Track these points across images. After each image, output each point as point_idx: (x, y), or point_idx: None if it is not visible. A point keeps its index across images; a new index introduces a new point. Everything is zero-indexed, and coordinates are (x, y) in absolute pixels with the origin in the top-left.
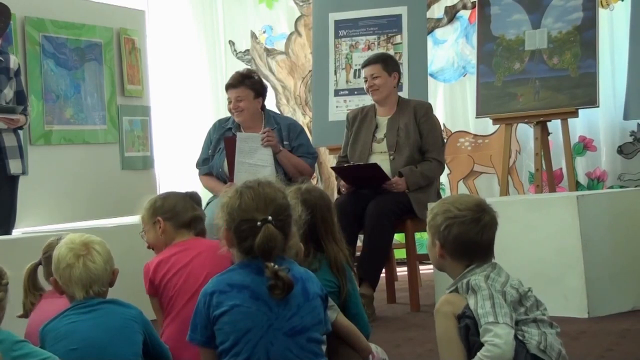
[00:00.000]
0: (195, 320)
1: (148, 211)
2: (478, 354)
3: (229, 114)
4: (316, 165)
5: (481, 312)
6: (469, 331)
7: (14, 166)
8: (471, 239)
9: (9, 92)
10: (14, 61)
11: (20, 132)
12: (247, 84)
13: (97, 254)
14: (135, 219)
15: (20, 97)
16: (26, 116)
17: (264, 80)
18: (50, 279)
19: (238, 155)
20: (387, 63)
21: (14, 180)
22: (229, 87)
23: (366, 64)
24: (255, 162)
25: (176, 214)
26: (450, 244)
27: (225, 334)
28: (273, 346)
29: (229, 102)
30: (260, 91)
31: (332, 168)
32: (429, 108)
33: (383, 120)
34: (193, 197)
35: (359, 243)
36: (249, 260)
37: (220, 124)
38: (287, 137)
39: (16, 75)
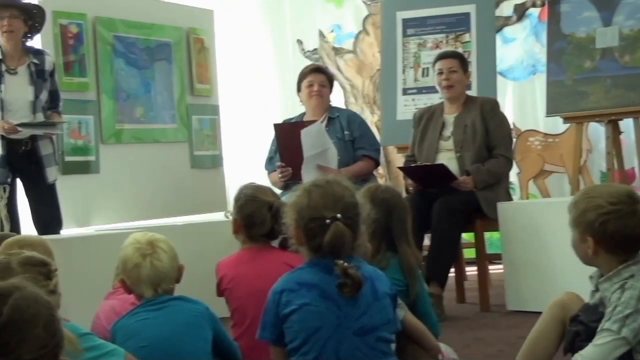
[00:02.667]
0: (265, 319)
1: (233, 204)
2: (577, 354)
3: (295, 113)
4: (385, 164)
5: (612, 315)
6: (579, 337)
7: (51, 175)
8: (630, 234)
9: (45, 95)
10: (49, 62)
11: (55, 138)
12: (328, 74)
13: (163, 252)
14: (205, 217)
15: (54, 96)
16: (60, 113)
17: None
18: (119, 278)
19: (306, 151)
20: (464, 61)
21: (53, 186)
22: (314, 71)
23: (444, 56)
24: (321, 148)
25: (252, 225)
26: (608, 240)
27: (295, 333)
28: (342, 345)
29: (309, 86)
30: (332, 84)
31: (399, 168)
32: (495, 104)
33: (450, 118)
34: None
35: (427, 242)
36: (317, 259)
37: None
38: (347, 127)
39: (51, 75)
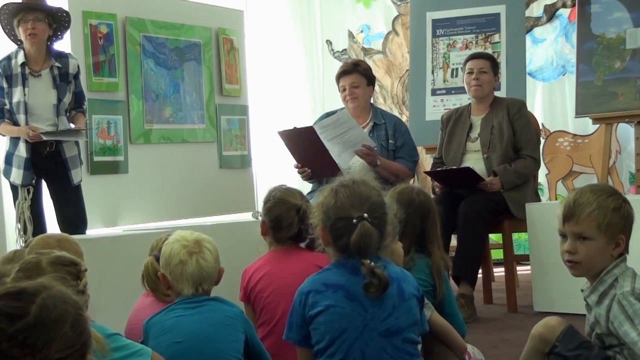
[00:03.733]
0: (291, 319)
1: (262, 205)
2: None
3: (325, 112)
4: None
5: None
6: None
7: (76, 177)
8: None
9: (68, 98)
10: (73, 65)
11: (80, 140)
12: (360, 71)
13: (209, 252)
14: (233, 218)
15: (79, 97)
16: (84, 113)
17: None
18: (159, 274)
19: (326, 143)
20: (495, 64)
21: (78, 187)
22: (342, 74)
23: (476, 56)
24: (338, 132)
25: (279, 228)
26: (630, 232)
27: (321, 334)
28: (368, 347)
29: (342, 90)
30: (371, 79)
31: (426, 172)
32: (522, 105)
33: (477, 119)
34: (303, 213)
35: (454, 243)
36: (344, 260)
37: (326, 117)
38: (392, 135)
39: (75, 77)
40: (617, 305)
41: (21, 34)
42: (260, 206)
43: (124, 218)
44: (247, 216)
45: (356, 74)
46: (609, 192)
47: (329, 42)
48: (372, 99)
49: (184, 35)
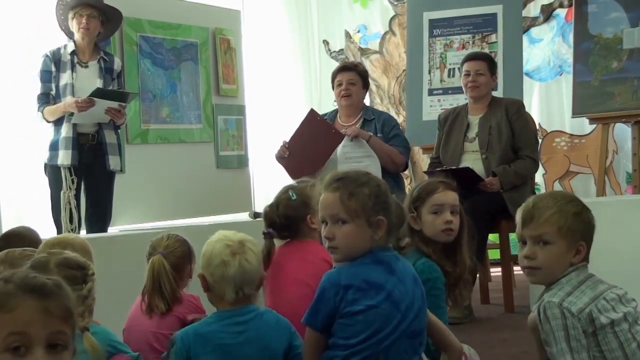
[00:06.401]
0: (318, 306)
1: None
2: None
3: (323, 112)
4: (410, 164)
5: (556, 351)
6: None
7: (113, 162)
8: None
9: None
10: (117, 63)
11: (120, 130)
12: (358, 71)
13: (252, 254)
14: (230, 218)
15: None
16: (125, 114)
17: None
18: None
19: (340, 154)
20: (492, 64)
21: (111, 176)
22: (341, 69)
23: (472, 57)
24: (358, 155)
25: (281, 226)
26: (590, 239)
27: (356, 332)
28: (393, 346)
29: (338, 85)
30: (367, 82)
31: (425, 172)
32: (520, 105)
33: (475, 119)
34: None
35: None
36: (382, 255)
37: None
38: (381, 129)
39: (118, 77)
40: (542, 313)
41: (74, 26)
42: (256, 206)
43: (121, 218)
44: (244, 216)
45: (354, 72)
46: (570, 198)
47: (326, 42)
48: (368, 101)
49: (181, 35)
